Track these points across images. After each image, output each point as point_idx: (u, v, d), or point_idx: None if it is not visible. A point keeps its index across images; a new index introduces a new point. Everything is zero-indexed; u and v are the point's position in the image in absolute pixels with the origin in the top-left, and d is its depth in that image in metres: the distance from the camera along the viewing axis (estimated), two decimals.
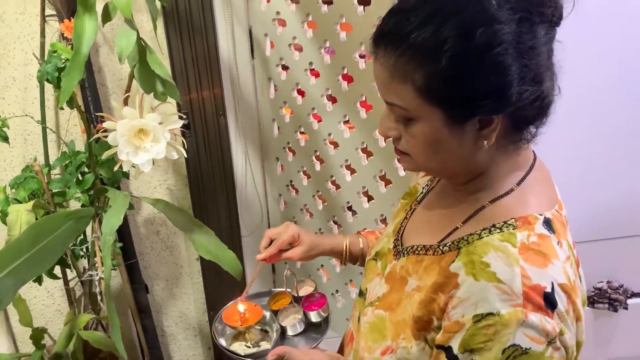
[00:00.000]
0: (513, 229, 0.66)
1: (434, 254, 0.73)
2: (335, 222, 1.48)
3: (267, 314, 0.99)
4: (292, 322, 0.94)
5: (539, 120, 0.68)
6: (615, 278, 1.72)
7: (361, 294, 0.88)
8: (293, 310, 0.97)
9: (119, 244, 1.40)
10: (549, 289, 0.62)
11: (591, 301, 1.72)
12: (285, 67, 1.43)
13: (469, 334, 0.63)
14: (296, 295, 1.00)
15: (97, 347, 1.32)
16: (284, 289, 1.02)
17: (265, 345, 0.92)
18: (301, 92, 1.41)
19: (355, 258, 1.02)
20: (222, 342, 0.96)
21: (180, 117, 1.10)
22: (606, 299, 1.74)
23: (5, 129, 1.22)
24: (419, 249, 0.76)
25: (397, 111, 0.67)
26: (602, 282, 1.73)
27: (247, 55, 1.47)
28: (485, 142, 0.65)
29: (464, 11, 0.60)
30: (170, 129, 1.07)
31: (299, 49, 1.36)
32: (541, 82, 0.64)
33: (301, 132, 1.46)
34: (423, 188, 0.88)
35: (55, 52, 1.08)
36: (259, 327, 0.98)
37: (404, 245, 0.81)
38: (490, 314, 0.62)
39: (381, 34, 0.65)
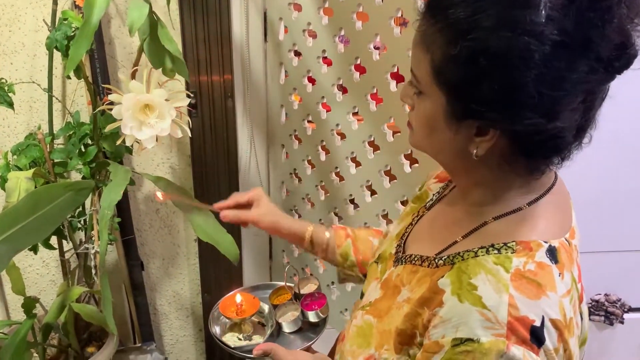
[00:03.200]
0: (511, 253, 0.62)
1: (428, 266, 0.70)
2: (336, 214, 1.47)
3: (266, 308, 0.97)
4: (289, 320, 0.93)
5: (546, 155, 0.63)
6: (613, 291, 1.71)
7: (361, 296, 0.86)
8: (292, 307, 0.96)
9: (117, 219, 1.39)
10: (537, 323, 0.58)
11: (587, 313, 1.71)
12: (297, 53, 1.40)
13: (446, 358, 0.60)
14: (297, 292, 0.98)
15: (88, 321, 1.32)
16: (290, 284, 1.00)
17: (257, 339, 0.91)
18: (312, 80, 1.39)
19: (315, 248, 0.99)
20: (217, 330, 0.94)
21: (188, 96, 1.09)
22: (603, 311, 1.73)
23: (10, 95, 1.21)
24: (416, 259, 0.74)
25: (414, 79, 0.65)
26: (599, 294, 1.72)
27: (260, 38, 1.45)
28: (476, 150, 0.62)
29: (509, 9, 0.54)
30: (176, 107, 1.05)
31: (313, 35, 1.34)
32: (554, 118, 0.57)
33: (309, 121, 1.44)
34: (434, 195, 0.84)
35: (66, 19, 1.07)
36: (257, 320, 0.97)
37: (405, 253, 0.78)
38: (470, 340, 0.58)
39: (427, 2, 0.62)
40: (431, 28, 0.60)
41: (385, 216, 1.32)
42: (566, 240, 0.66)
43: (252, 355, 0.83)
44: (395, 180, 1.27)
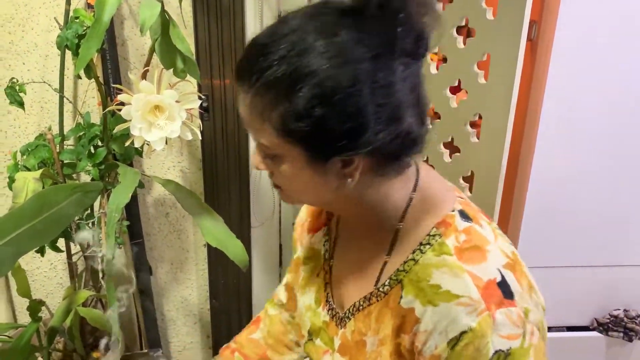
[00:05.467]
0: (440, 238, 0.65)
1: (377, 300, 0.69)
2: None
3: None
4: None
5: (409, 152, 0.65)
6: (633, 307, 1.66)
7: None
8: None
9: (126, 223, 1.37)
10: (499, 278, 0.62)
11: (605, 328, 1.66)
12: None
13: None
14: None
15: (94, 325, 1.29)
16: None
17: None
18: None
19: None
20: None
21: (199, 97, 1.07)
22: (621, 327, 1.68)
23: (22, 95, 1.20)
24: (360, 303, 0.71)
25: (262, 148, 0.65)
26: (619, 309, 1.67)
27: None
28: (350, 179, 0.63)
29: (319, 50, 0.56)
30: (187, 109, 1.03)
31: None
32: (400, 120, 0.60)
33: None
34: (324, 245, 0.82)
35: (77, 18, 1.05)
36: None
37: (344, 309, 0.75)
38: (464, 333, 0.59)
39: (240, 68, 0.62)
40: (256, 97, 0.60)
41: None
42: (459, 197, 0.70)
43: None
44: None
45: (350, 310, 0.73)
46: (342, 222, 0.80)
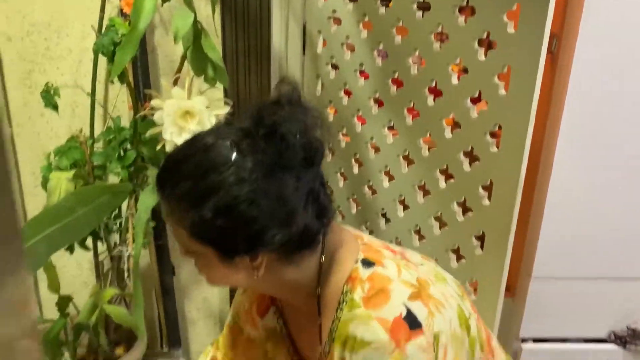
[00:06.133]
0: (350, 294, 0.72)
1: (325, 357, 0.77)
2: (367, 228, 1.46)
3: None
4: None
5: (306, 245, 0.74)
6: None
7: None
8: None
9: (152, 223, 1.41)
10: (404, 312, 0.69)
11: (623, 341, 1.65)
12: (335, 66, 1.41)
13: None
14: None
15: (119, 322, 1.33)
16: None
17: None
18: (348, 93, 1.40)
19: None
20: None
21: (227, 103, 1.10)
22: (639, 340, 1.67)
23: (56, 98, 1.25)
24: None
25: (182, 247, 0.74)
26: (637, 322, 1.66)
27: (298, 51, 1.47)
28: (257, 272, 0.72)
29: (219, 170, 0.67)
30: (215, 114, 1.07)
31: (352, 48, 1.35)
32: (293, 223, 0.70)
33: (343, 134, 1.44)
34: (277, 322, 0.90)
35: (113, 26, 1.10)
36: None
37: None
38: None
39: (158, 179, 0.73)
40: (170, 205, 0.71)
41: (417, 232, 1.31)
42: (362, 244, 0.78)
43: None
44: (429, 196, 1.26)
45: None
46: (277, 302, 0.90)
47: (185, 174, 0.70)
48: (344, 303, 0.73)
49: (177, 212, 0.71)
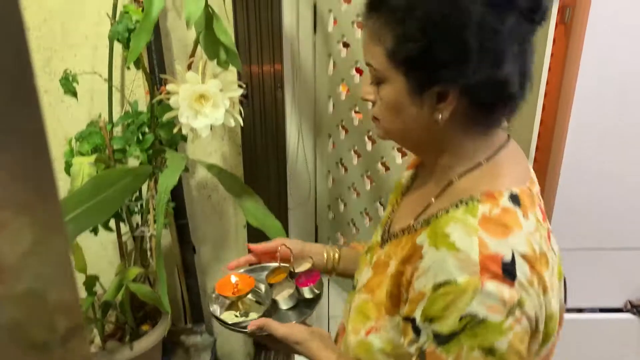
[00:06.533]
0: (477, 203, 0.67)
1: (409, 233, 0.75)
2: (381, 204, 1.49)
3: (263, 287, 0.99)
4: (285, 296, 0.95)
5: (500, 108, 0.70)
6: None
7: (353, 287, 0.90)
8: (288, 285, 0.98)
9: (172, 204, 1.45)
10: (508, 258, 0.63)
11: (639, 310, 1.66)
12: (346, 45, 1.42)
13: (429, 303, 0.64)
14: (292, 271, 1.00)
15: (144, 300, 1.38)
16: (285, 264, 1.02)
17: (253, 315, 0.92)
18: (359, 71, 1.41)
19: (341, 262, 1.02)
20: (216, 310, 0.97)
21: (240, 86, 1.13)
22: None
23: (74, 84, 1.28)
24: (398, 232, 0.78)
25: (372, 72, 0.71)
26: None
27: (309, 30, 1.48)
28: (440, 115, 0.68)
29: None
30: (229, 97, 1.09)
31: (362, 27, 1.36)
32: (499, 67, 0.65)
33: (355, 111, 1.46)
34: (408, 181, 0.89)
35: (127, 13, 1.12)
36: (254, 299, 0.99)
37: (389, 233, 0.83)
38: (447, 282, 0.63)
39: (367, 2, 0.69)
40: (378, 22, 0.67)
41: None
42: (527, 187, 0.71)
43: (248, 331, 0.87)
44: None
45: (391, 235, 0.80)
46: (424, 168, 0.86)
47: None
48: (464, 204, 0.68)
49: (380, 28, 0.67)
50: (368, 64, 0.71)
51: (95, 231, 1.34)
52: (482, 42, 0.63)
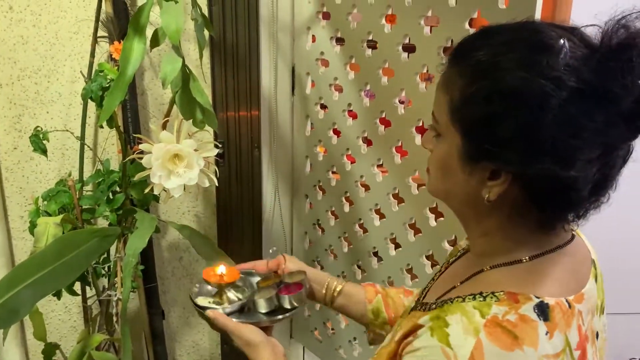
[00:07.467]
0: (494, 301, 0.59)
1: (423, 310, 0.68)
2: (359, 267, 1.45)
3: (250, 289, 0.99)
4: (263, 298, 0.94)
5: (560, 208, 0.61)
6: None
7: None
8: (272, 291, 0.97)
9: (141, 267, 1.40)
10: None
11: None
12: (323, 106, 1.43)
13: None
14: (282, 280, 1.00)
15: None
16: (278, 274, 1.01)
17: (225, 306, 0.93)
18: (337, 132, 1.41)
19: (340, 299, 0.98)
20: (195, 294, 0.98)
21: (216, 146, 1.11)
22: None
23: (45, 142, 1.25)
24: (419, 306, 0.73)
25: (433, 121, 0.66)
26: (634, 358, 1.65)
27: (287, 91, 1.49)
28: (488, 194, 0.60)
29: (530, 53, 0.55)
30: (204, 157, 1.07)
31: (339, 89, 1.37)
32: (569, 167, 0.55)
33: (333, 172, 1.45)
34: (459, 251, 0.83)
35: (102, 71, 1.11)
36: (240, 296, 0.97)
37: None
38: None
39: (457, 46, 0.64)
40: (452, 70, 0.62)
41: (409, 270, 1.30)
42: (567, 301, 0.61)
43: (207, 316, 0.90)
44: (420, 234, 1.25)
45: (417, 305, 0.74)
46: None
47: (489, 43, 0.59)
48: (481, 298, 0.60)
49: (453, 79, 0.61)
50: (433, 113, 0.66)
51: (58, 295, 1.28)
52: (554, 134, 0.54)
